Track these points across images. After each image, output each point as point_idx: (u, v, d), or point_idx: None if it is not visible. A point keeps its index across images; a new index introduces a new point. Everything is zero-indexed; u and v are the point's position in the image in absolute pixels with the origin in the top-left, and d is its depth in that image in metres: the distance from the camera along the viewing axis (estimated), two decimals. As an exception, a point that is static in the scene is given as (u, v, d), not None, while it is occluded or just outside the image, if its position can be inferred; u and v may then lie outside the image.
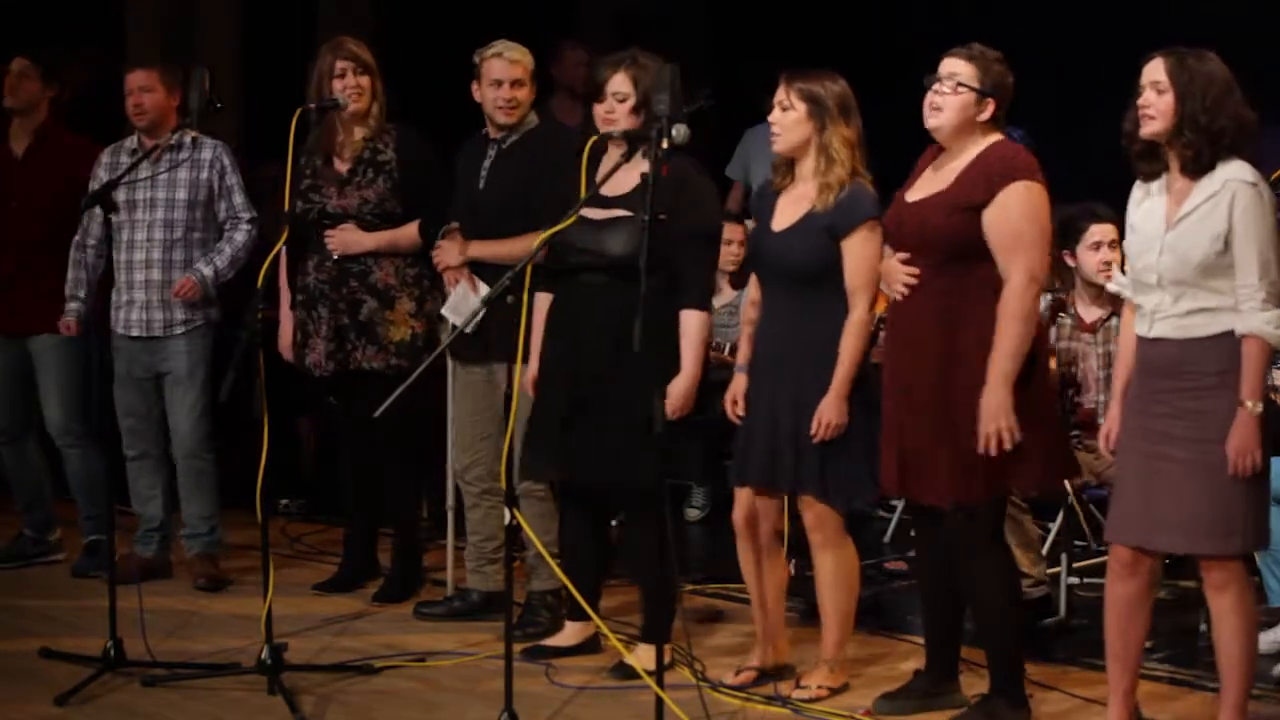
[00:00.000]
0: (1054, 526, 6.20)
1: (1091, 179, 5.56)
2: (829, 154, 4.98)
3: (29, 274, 6.64)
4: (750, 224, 5.75)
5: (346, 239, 6.13)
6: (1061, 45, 8.08)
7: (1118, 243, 5.60)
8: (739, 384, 5.16)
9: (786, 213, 5.06)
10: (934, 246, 4.70)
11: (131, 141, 6.47)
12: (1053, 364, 5.45)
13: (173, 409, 6.46)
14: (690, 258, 5.14)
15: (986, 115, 4.71)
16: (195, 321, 6.41)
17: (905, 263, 4.75)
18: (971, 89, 4.68)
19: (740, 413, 5.13)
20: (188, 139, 6.32)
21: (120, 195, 6.32)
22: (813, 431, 4.91)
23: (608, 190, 5.11)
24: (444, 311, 5.92)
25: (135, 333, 6.42)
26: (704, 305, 5.20)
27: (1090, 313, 5.89)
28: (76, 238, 6.54)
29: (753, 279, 5.26)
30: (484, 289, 5.71)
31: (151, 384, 6.48)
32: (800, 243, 4.98)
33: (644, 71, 5.21)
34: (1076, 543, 5.91)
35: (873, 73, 5.44)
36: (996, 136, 4.74)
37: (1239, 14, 7.43)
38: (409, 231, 6.12)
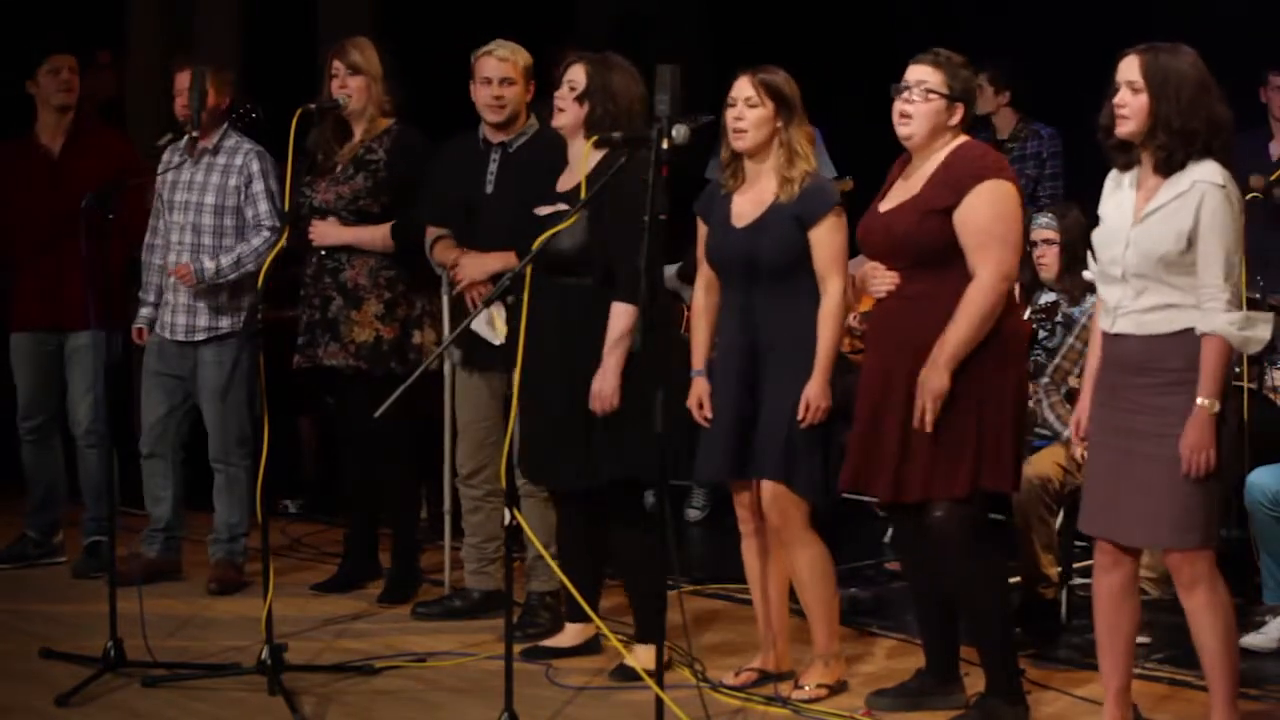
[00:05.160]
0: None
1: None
2: (792, 149, 4.99)
3: (70, 271, 6.59)
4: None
5: (324, 230, 6.14)
6: (1072, 42, 8.08)
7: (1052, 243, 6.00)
8: (701, 388, 5.11)
9: (748, 210, 5.05)
10: (902, 252, 4.73)
11: (183, 141, 6.43)
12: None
13: (204, 415, 6.47)
14: (624, 251, 5.02)
15: (956, 120, 4.74)
16: (220, 329, 6.40)
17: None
18: (941, 95, 4.70)
19: (708, 415, 5.10)
20: (228, 142, 6.37)
21: (164, 195, 6.41)
22: (800, 416, 4.90)
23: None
24: (476, 329, 5.79)
25: (166, 334, 6.45)
26: (632, 299, 5.11)
27: None
28: (145, 239, 6.56)
29: (699, 285, 5.21)
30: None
31: (178, 385, 6.48)
32: (770, 235, 4.97)
33: (607, 72, 5.24)
34: (1077, 543, 5.90)
35: (873, 73, 5.44)
36: (963, 139, 4.77)
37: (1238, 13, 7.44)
38: (380, 231, 6.11)
